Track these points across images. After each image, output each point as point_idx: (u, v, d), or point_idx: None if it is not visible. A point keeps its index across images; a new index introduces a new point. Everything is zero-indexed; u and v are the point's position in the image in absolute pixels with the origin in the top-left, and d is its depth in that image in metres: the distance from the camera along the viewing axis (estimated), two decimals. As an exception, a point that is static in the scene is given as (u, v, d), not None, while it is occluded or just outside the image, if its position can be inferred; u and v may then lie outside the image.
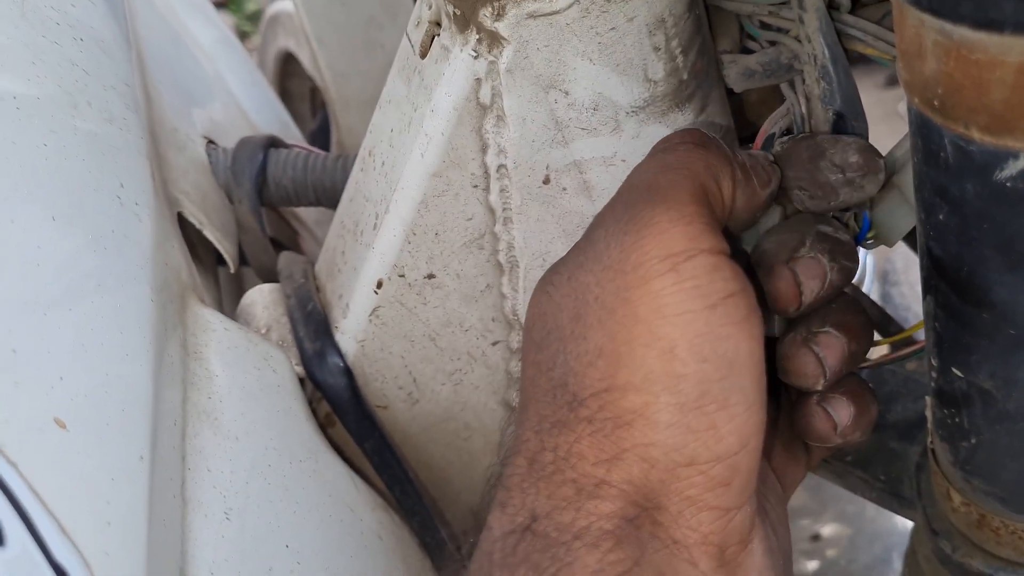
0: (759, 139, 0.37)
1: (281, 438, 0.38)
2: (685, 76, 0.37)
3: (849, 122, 0.35)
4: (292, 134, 0.66)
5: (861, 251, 0.75)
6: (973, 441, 0.36)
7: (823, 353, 0.34)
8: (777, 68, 0.38)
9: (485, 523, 0.29)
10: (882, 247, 0.39)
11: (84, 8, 0.40)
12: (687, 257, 0.28)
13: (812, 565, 0.79)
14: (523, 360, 0.31)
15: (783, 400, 0.38)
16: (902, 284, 1.30)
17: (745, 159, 0.33)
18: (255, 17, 2.88)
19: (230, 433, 0.35)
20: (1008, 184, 0.25)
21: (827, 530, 0.82)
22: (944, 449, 0.39)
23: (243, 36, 2.78)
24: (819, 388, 0.34)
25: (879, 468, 0.49)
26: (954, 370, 0.34)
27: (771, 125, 0.37)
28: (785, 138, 0.36)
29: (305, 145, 0.53)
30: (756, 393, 0.29)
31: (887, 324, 0.46)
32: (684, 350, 0.28)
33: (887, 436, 0.49)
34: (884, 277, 1.30)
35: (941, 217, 0.29)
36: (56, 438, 0.24)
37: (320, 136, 0.91)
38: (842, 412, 0.34)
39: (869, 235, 0.37)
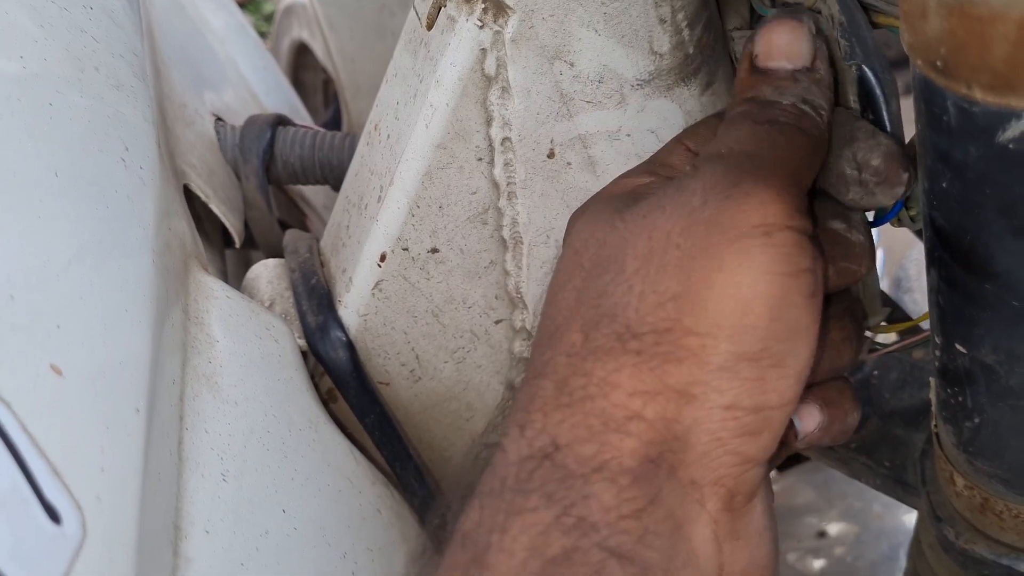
0: None
1: (280, 406, 0.38)
2: (691, 50, 0.37)
3: (877, 75, 0.33)
4: (302, 117, 0.67)
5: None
6: (976, 421, 0.36)
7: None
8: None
9: (499, 448, 0.29)
10: (893, 248, 0.38)
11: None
12: (780, 229, 0.29)
13: (818, 562, 0.78)
14: (559, 283, 0.31)
15: None
16: (915, 291, 1.29)
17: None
18: (272, 18, 2.90)
19: (229, 398, 0.35)
20: (1011, 146, 0.25)
21: (833, 528, 0.81)
22: (948, 431, 0.38)
23: (261, 36, 2.80)
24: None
25: (884, 455, 0.48)
26: (957, 346, 0.34)
27: None
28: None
29: (314, 125, 0.53)
30: (805, 365, 0.30)
31: (894, 311, 0.46)
32: (760, 306, 0.28)
33: (892, 423, 0.48)
34: (897, 284, 1.29)
35: (944, 184, 0.28)
36: (52, 383, 0.24)
37: (332, 127, 0.91)
38: (807, 420, 0.34)
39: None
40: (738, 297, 0.28)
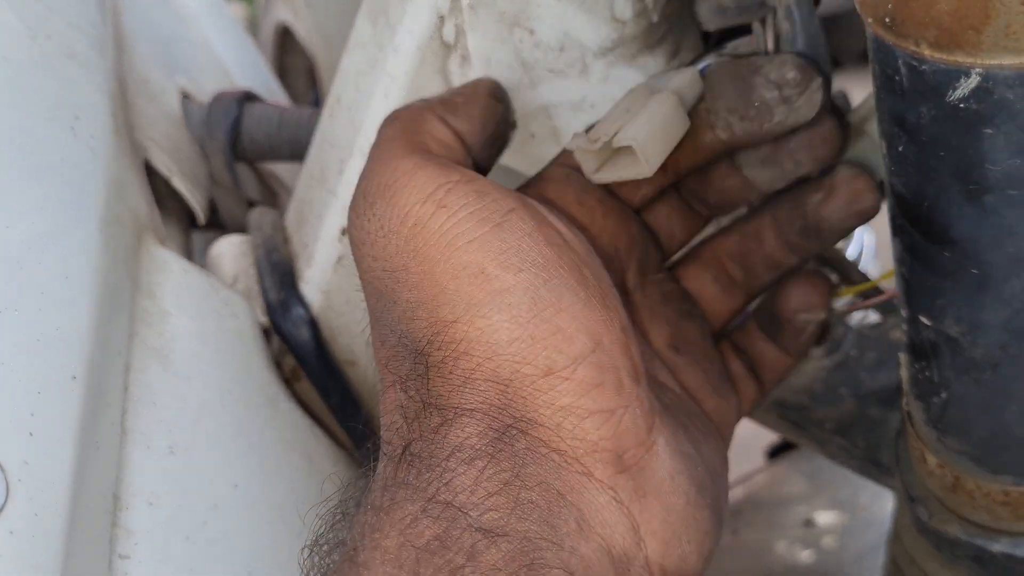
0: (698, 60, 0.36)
1: (237, 382, 0.37)
2: (655, 18, 0.37)
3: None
4: (278, 97, 0.66)
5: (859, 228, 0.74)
6: (944, 396, 0.35)
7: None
8: (750, 5, 0.38)
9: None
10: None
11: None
12: (447, 191, 0.28)
13: (806, 551, 0.78)
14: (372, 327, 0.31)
15: (703, 339, 0.37)
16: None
17: (449, 96, 0.33)
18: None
19: (181, 371, 0.34)
20: (961, 105, 0.24)
21: (821, 517, 0.80)
22: (918, 408, 0.38)
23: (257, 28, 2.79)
24: None
25: (859, 435, 0.48)
26: (922, 319, 0.33)
27: (732, 51, 0.36)
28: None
29: (281, 105, 0.53)
30: (588, 290, 0.28)
31: (854, 274, 0.45)
32: (495, 267, 0.27)
33: (869, 404, 0.48)
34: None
35: (900, 148, 0.28)
36: (-24, 346, 0.24)
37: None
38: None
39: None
40: (469, 273, 0.28)
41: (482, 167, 0.33)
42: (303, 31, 0.82)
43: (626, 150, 0.31)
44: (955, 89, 0.24)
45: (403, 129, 0.31)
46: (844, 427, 0.48)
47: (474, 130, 0.32)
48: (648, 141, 0.31)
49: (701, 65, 0.35)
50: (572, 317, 0.28)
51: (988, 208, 0.27)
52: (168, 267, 0.37)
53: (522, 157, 0.39)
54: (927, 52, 0.24)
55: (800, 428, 0.48)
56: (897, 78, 0.26)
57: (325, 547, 0.27)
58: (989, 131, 0.25)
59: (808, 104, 0.33)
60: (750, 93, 0.33)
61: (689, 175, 0.36)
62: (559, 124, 0.38)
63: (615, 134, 0.31)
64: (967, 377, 0.33)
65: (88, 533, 0.26)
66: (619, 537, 0.27)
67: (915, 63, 0.25)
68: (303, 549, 0.26)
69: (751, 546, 0.76)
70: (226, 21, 0.66)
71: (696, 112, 0.34)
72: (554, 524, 0.26)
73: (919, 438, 0.39)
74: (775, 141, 0.34)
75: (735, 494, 0.82)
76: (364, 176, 0.31)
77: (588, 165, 0.33)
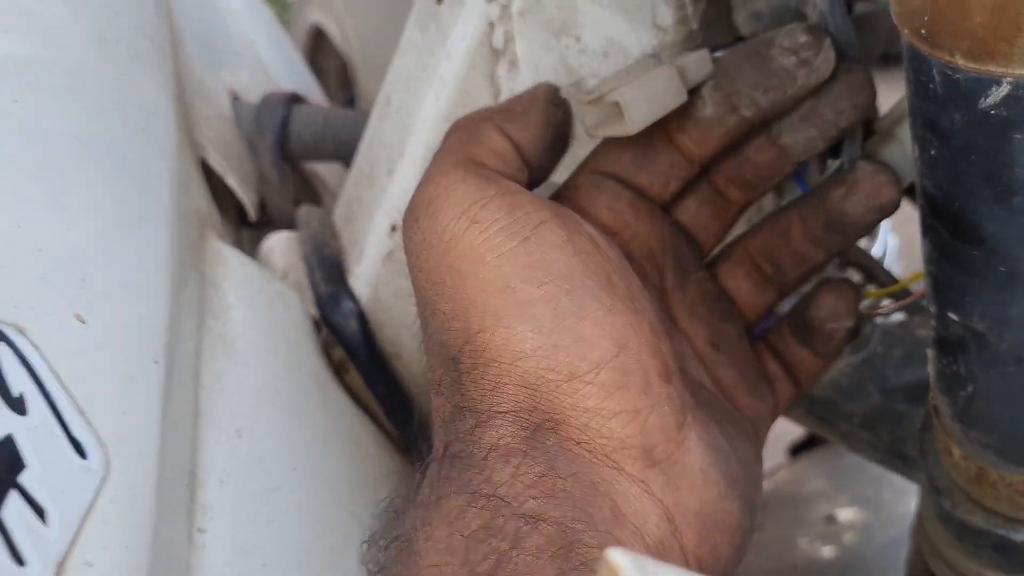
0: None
1: (291, 370, 0.39)
2: (695, 25, 0.38)
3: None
4: (316, 96, 0.68)
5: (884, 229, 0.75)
6: (969, 389, 0.37)
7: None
8: (785, 11, 0.39)
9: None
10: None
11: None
12: (480, 207, 0.30)
13: (828, 547, 0.79)
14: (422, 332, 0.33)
15: (740, 339, 0.39)
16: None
17: (509, 104, 0.35)
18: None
19: (242, 359, 0.36)
20: (992, 112, 0.26)
21: (843, 513, 0.82)
22: (944, 402, 0.39)
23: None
24: None
25: (884, 429, 0.49)
26: (950, 314, 0.34)
27: None
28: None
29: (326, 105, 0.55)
30: (613, 297, 0.30)
31: (881, 275, 0.46)
32: (518, 281, 0.29)
33: (895, 399, 0.49)
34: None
35: (933, 152, 0.29)
36: (77, 330, 0.26)
37: (348, 111, 0.93)
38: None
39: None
40: (495, 287, 0.29)
41: (541, 173, 0.35)
42: (337, 33, 0.84)
43: (617, 109, 0.33)
44: (986, 97, 0.26)
45: (460, 140, 0.33)
46: (870, 421, 0.49)
47: (532, 137, 0.33)
48: (635, 102, 0.32)
49: (716, 52, 0.37)
50: (594, 324, 0.29)
51: (1016, 209, 0.28)
52: (228, 261, 0.39)
53: (565, 157, 0.41)
54: (960, 62, 0.26)
55: (827, 423, 0.50)
56: (931, 85, 0.27)
57: (382, 542, 0.29)
58: (1018, 136, 0.26)
59: (825, 62, 0.34)
60: (768, 64, 0.35)
61: (723, 160, 0.38)
62: (601, 126, 0.40)
63: (609, 91, 0.33)
64: (993, 371, 0.35)
65: (172, 506, 0.28)
66: (653, 527, 0.29)
67: (949, 72, 0.26)
68: (362, 544, 0.28)
69: (774, 541, 0.78)
70: (266, 20, 0.68)
71: (716, 98, 0.35)
72: (589, 511, 0.28)
73: (944, 431, 0.41)
74: (811, 98, 0.35)
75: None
76: (417, 188, 0.33)
77: (586, 119, 0.34)
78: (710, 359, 0.37)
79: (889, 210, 0.36)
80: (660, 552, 0.29)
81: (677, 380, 0.32)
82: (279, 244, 0.46)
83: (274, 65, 0.64)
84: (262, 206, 0.51)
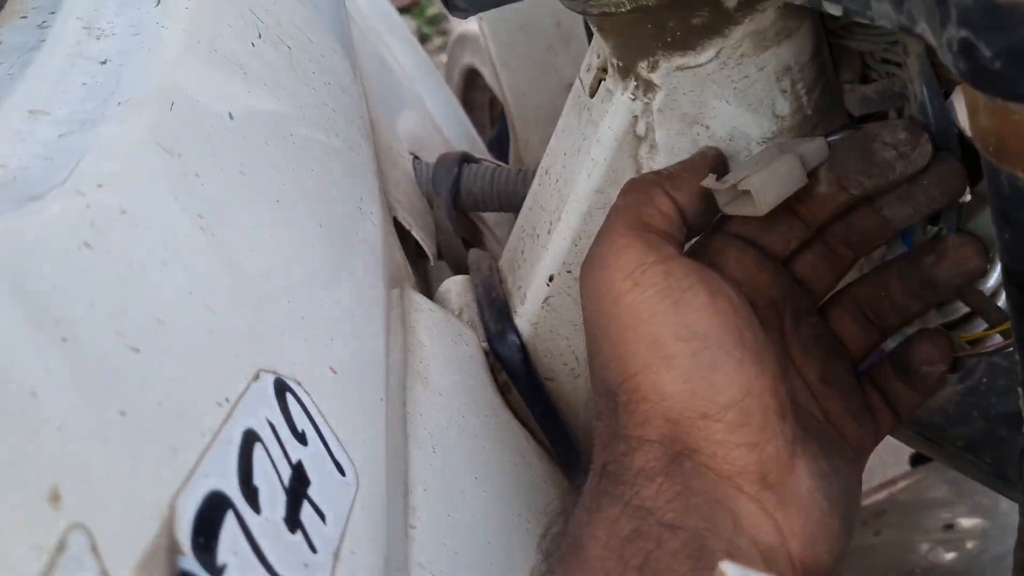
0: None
1: (471, 397, 0.48)
2: (809, 112, 0.45)
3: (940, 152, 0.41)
4: (477, 145, 0.77)
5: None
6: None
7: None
8: (891, 95, 0.45)
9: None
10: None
11: (330, 57, 0.51)
12: (642, 271, 0.37)
13: (949, 554, 0.83)
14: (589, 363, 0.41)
15: (847, 374, 0.45)
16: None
17: (673, 169, 0.41)
18: (435, 21, 3.06)
19: (435, 389, 0.45)
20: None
21: (963, 521, 0.85)
22: (1036, 432, 0.45)
23: (423, 39, 2.96)
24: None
25: (987, 453, 0.54)
26: (1032, 360, 0.40)
27: None
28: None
29: (492, 159, 0.63)
30: (743, 351, 0.37)
31: (995, 314, 0.51)
32: (667, 337, 0.36)
33: (998, 425, 0.54)
34: None
35: (1007, 236, 0.36)
36: (331, 379, 0.35)
37: (496, 144, 1.02)
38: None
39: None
40: (647, 342, 0.36)
41: (698, 229, 0.42)
42: (488, 74, 0.93)
43: (748, 193, 0.40)
44: (1043, 200, 0.32)
45: (633, 200, 0.40)
46: (974, 445, 0.54)
47: (692, 201, 0.40)
48: (763, 188, 0.39)
49: (831, 137, 0.43)
50: (725, 374, 0.37)
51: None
52: (420, 307, 0.48)
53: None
54: (1022, 176, 0.32)
55: (934, 444, 0.55)
56: (1001, 188, 0.34)
57: (554, 537, 0.38)
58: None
59: (921, 156, 0.40)
60: (872, 156, 0.40)
61: (834, 224, 0.44)
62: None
63: (742, 179, 0.40)
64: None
65: (395, 509, 0.37)
66: (765, 536, 0.36)
67: (1014, 180, 0.32)
68: (540, 537, 0.37)
69: (892, 546, 0.82)
70: (434, 78, 0.77)
71: (829, 178, 0.42)
72: (716, 522, 0.35)
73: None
74: (910, 181, 0.42)
75: (879, 497, 0.87)
76: (595, 241, 0.40)
77: (720, 199, 0.41)
78: (820, 392, 0.44)
79: (976, 275, 0.42)
80: (770, 555, 0.36)
81: (791, 417, 0.39)
82: (455, 287, 0.56)
83: (441, 117, 0.73)
84: (439, 251, 0.60)
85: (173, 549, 0.24)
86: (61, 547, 0.21)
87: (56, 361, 0.24)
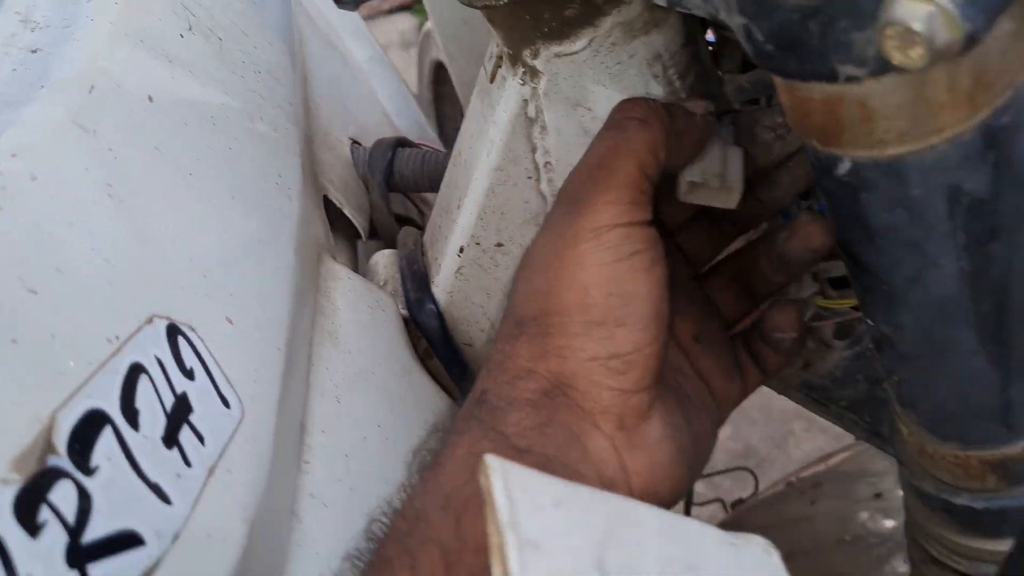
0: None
1: (384, 356, 0.53)
2: (683, 95, 0.49)
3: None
4: (426, 132, 0.82)
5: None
6: (896, 379, 0.46)
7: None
8: (763, 85, 0.50)
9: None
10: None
11: (264, 49, 0.56)
12: (609, 229, 0.41)
13: (880, 520, 0.87)
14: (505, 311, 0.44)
15: (719, 333, 0.50)
16: None
17: (682, 124, 0.43)
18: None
19: (344, 348, 0.50)
20: (844, 178, 0.36)
21: (891, 491, 0.89)
22: (889, 388, 0.49)
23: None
24: None
25: (866, 412, 0.59)
26: (868, 321, 0.45)
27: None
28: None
29: (428, 144, 0.68)
30: (650, 318, 0.41)
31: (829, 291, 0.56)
32: (595, 288, 0.40)
33: (878, 388, 0.59)
34: None
35: (827, 204, 0.40)
36: (227, 328, 0.40)
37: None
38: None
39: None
40: (578, 287, 0.40)
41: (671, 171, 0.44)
42: (453, 69, 0.98)
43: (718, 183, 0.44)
44: (838, 168, 0.36)
45: (643, 142, 0.41)
46: (856, 405, 0.59)
47: (677, 154, 0.43)
48: (736, 182, 0.44)
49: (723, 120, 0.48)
50: (628, 331, 0.41)
51: (880, 247, 0.38)
52: (338, 275, 0.53)
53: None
54: (819, 147, 0.36)
55: (821, 404, 0.60)
56: (812, 160, 0.38)
57: (425, 453, 0.43)
58: (865, 195, 0.36)
59: (795, 137, 0.44)
60: (754, 138, 0.45)
61: None
62: (616, 171, 0.52)
63: (721, 175, 0.44)
64: (904, 366, 0.44)
65: (287, 444, 0.42)
66: (609, 469, 0.41)
67: (815, 151, 0.37)
68: (413, 452, 0.42)
69: (827, 515, 0.87)
70: (388, 70, 0.82)
71: None
72: (566, 451, 0.40)
73: (896, 414, 0.50)
74: (777, 168, 0.46)
75: (817, 470, 0.92)
76: (590, 169, 0.41)
77: (682, 189, 0.45)
78: (693, 349, 0.49)
79: (822, 253, 0.46)
80: (610, 485, 0.41)
81: (659, 379, 0.43)
82: (383, 259, 0.60)
83: (392, 108, 0.78)
84: (373, 229, 0.65)
85: (48, 449, 0.29)
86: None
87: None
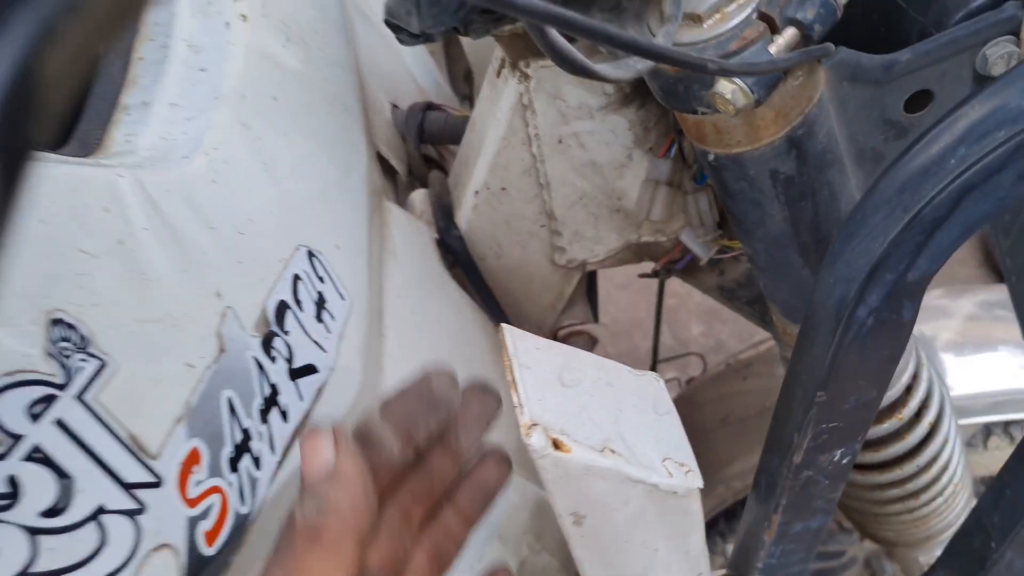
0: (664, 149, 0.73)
1: (425, 268, 0.78)
2: (628, 90, 0.73)
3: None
4: (444, 92, 1.05)
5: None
6: (761, 283, 0.72)
7: None
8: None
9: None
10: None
11: (332, 43, 0.79)
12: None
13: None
14: None
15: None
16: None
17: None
18: None
19: (400, 262, 0.75)
20: (712, 162, 0.61)
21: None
22: (762, 290, 0.74)
23: None
24: None
25: (758, 305, 0.84)
26: (743, 247, 0.70)
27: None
28: None
29: (448, 106, 0.92)
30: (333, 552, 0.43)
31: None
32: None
33: (769, 288, 0.84)
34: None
35: (714, 176, 0.64)
36: (337, 252, 0.65)
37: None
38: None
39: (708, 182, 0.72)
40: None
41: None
42: (467, 46, 1.20)
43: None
44: (708, 157, 0.60)
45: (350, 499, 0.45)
46: (752, 301, 0.84)
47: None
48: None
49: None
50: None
51: (736, 203, 0.63)
52: (391, 210, 0.77)
53: (565, 156, 0.77)
54: (698, 145, 0.60)
55: (730, 300, 0.85)
56: (698, 152, 0.62)
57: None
58: (723, 173, 0.61)
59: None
60: (433, 405, 0.52)
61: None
62: (583, 140, 0.76)
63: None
64: (763, 275, 0.70)
65: (373, 323, 0.67)
66: None
67: (698, 147, 0.61)
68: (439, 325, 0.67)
69: (755, 390, 1.12)
70: (420, 51, 1.05)
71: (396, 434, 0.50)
72: None
73: (768, 306, 0.76)
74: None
75: (749, 353, 1.17)
76: (299, 521, 0.44)
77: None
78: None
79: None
80: None
81: None
82: (418, 197, 0.85)
83: (416, 71, 1.01)
84: (409, 172, 0.89)
85: (266, 322, 0.54)
86: (223, 316, 0.51)
87: (171, 242, 0.54)
